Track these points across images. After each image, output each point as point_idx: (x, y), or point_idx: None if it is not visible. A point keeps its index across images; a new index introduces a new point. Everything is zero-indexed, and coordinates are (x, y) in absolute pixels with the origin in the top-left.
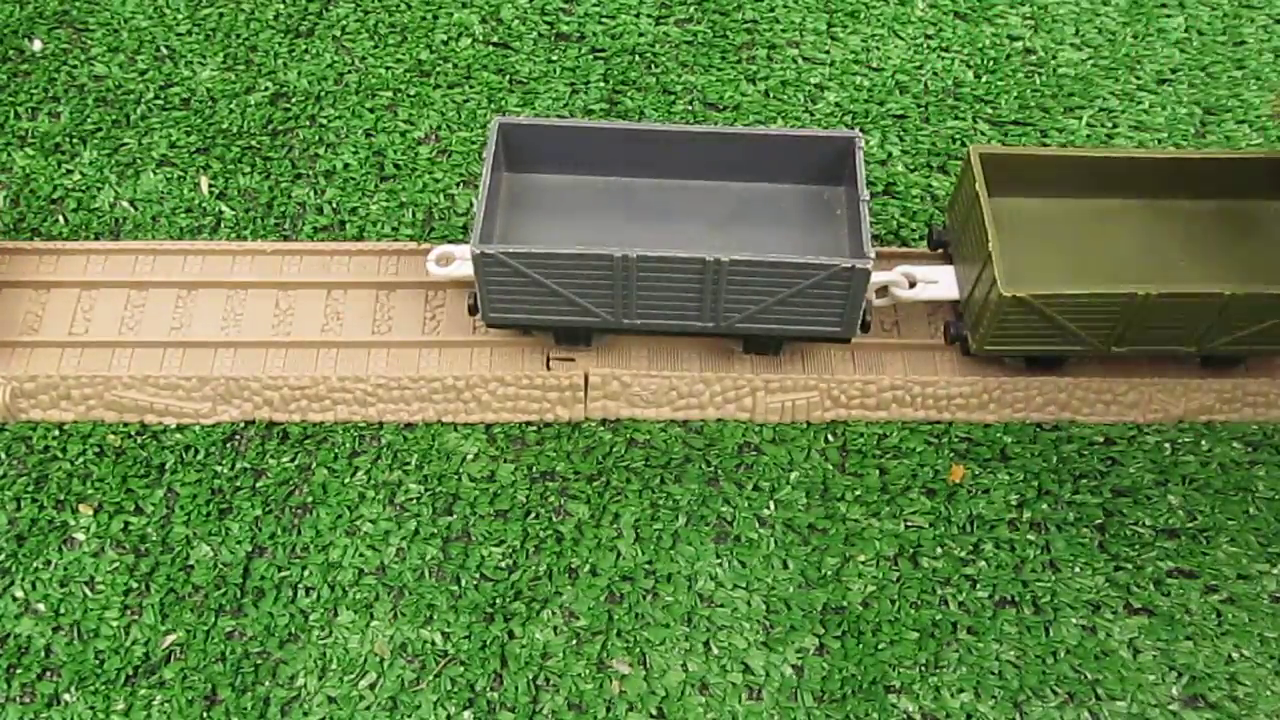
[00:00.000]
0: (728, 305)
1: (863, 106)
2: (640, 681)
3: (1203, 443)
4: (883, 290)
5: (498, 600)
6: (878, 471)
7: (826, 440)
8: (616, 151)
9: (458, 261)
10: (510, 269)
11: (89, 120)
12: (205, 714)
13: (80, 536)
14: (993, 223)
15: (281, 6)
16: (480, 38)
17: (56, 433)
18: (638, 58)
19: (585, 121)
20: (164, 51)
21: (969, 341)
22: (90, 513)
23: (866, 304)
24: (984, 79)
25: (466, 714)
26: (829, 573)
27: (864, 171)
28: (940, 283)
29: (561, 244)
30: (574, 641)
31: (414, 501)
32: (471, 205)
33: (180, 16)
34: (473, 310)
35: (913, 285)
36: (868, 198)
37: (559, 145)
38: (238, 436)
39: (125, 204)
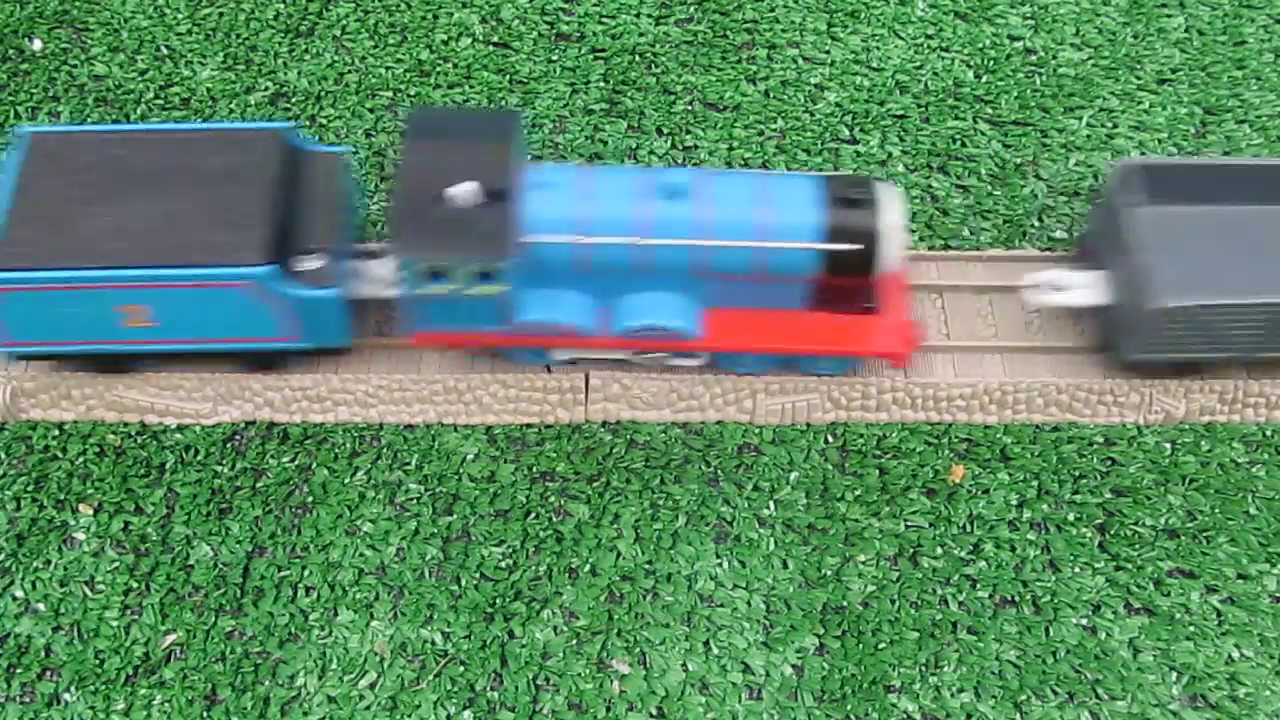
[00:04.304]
0: None
1: (863, 106)
2: (640, 681)
3: (1203, 443)
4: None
5: (498, 600)
6: (878, 471)
7: (826, 441)
8: None
9: None
10: None
11: (89, 120)
12: (205, 714)
13: (80, 536)
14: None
15: (281, 6)
16: (480, 38)
17: (56, 432)
18: (638, 58)
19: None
20: (164, 51)
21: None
22: (90, 512)
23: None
24: (984, 79)
25: (466, 714)
26: (829, 573)
27: None
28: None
29: None
30: (574, 641)
31: (414, 501)
32: None
33: (180, 16)
34: None
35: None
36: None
37: None
38: (238, 437)
39: None
